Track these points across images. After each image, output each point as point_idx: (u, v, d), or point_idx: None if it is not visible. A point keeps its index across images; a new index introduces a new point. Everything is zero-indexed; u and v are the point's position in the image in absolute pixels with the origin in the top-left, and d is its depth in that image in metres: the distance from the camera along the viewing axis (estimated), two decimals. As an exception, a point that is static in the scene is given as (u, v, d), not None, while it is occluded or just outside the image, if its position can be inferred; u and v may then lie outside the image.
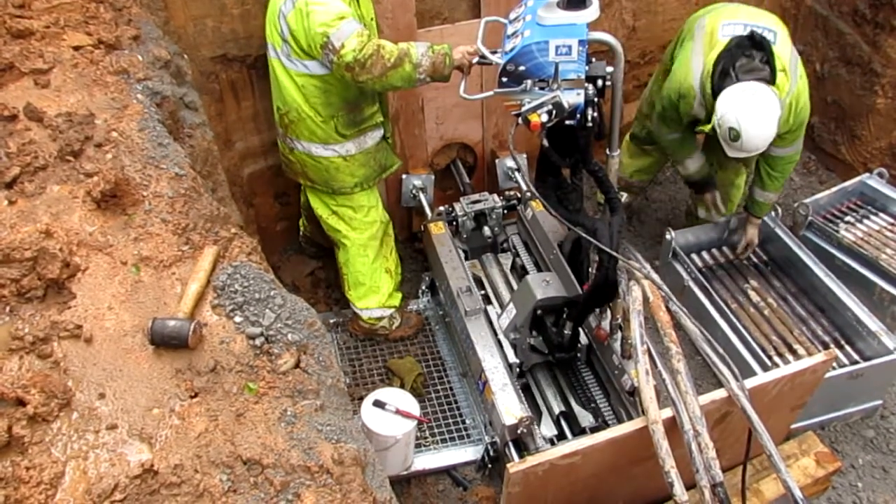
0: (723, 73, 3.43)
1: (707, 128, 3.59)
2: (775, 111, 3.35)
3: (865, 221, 4.25)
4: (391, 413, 3.29)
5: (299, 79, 3.30)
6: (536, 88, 2.77)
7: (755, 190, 4.01)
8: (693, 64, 3.62)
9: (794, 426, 3.40)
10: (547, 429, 3.41)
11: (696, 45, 3.66)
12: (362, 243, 3.79)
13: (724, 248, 4.38)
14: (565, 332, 3.46)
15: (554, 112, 2.74)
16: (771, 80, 3.39)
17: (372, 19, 3.44)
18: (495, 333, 3.59)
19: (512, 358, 3.47)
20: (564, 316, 3.43)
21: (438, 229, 4.08)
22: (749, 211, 4.14)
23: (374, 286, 3.87)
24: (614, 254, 2.88)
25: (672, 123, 3.87)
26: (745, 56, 3.42)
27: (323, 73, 3.25)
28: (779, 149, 3.73)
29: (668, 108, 3.79)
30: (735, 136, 3.37)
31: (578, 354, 3.62)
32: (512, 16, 2.95)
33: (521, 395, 3.33)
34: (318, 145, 3.49)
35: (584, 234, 2.96)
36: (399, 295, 4.01)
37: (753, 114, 3.33)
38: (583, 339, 3.60)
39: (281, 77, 3.35)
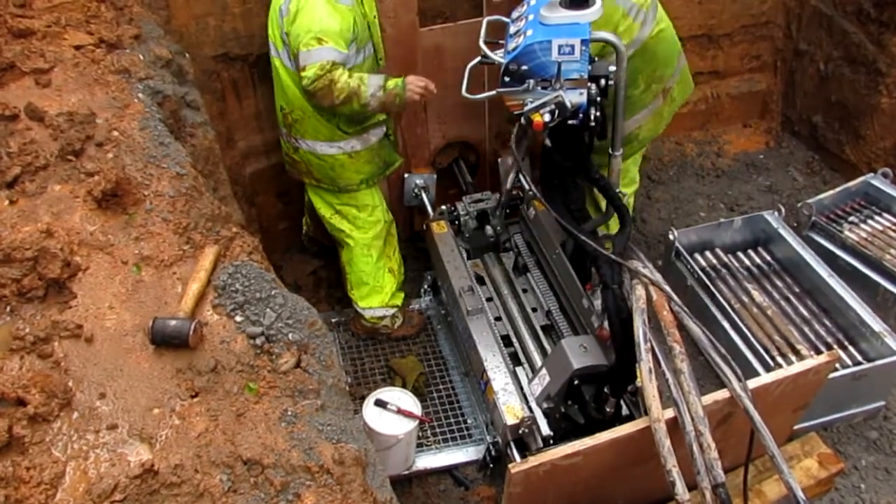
0: None
1: None
2: None
3: (869, 222, 4.24)
4: (393, 412, 3.28)
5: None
6: (539, 88, 2.76)
7: None
8: None
9: (796, 427, 3.39)
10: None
11: None
12: (366, 243, 3.78)
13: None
14: (607, 409, 3.12)
15: (557, 112, 2.73)
16: None
17: (375, 17, 3.44)
18: (496, 334, 3.58)
19: (545, 430, 3.17)
20: (606, 390, 3.10)
21: (440, 228, 4.08)
22: None
23: (377, 286, 3.86)
24: (615, 258, 2.87)
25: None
26: None
27: None
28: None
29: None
30: None
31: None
32: (514, 15, 2.95)
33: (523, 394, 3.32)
34: (323, 143, 3.49)
35: (591, 243, 2.92)
36: (401, 294, 4.01)
37: None
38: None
39: (284, 77, 3.36)
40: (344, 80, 3.15)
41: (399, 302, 3.98)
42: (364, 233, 3.77)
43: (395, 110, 3.34)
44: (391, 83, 3.27)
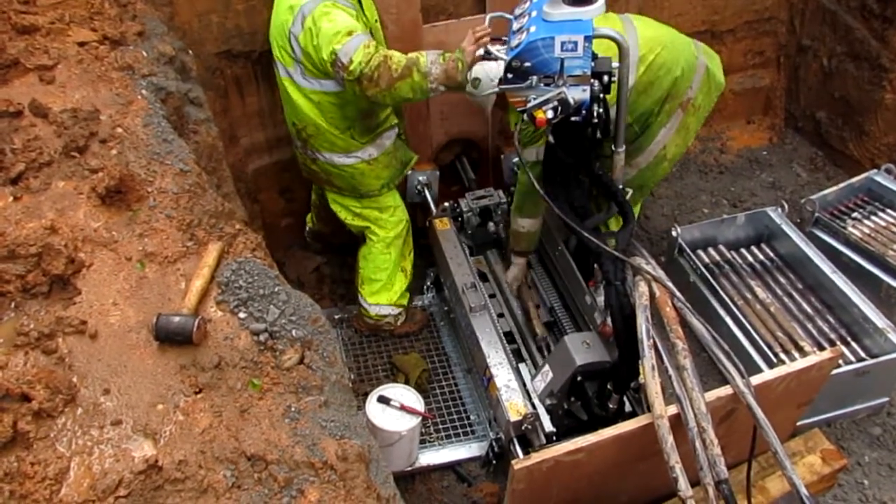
0: None
1: None
2: None
3: (873, 218, 4.23)
4: (396, 409, 3.29)
5: (315, 96, 3.30)
6: (542, 85, 2.75)
7: None
8: None
9: (800, 423, 3.39)
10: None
11: None
12: (388, 241, 3.80)
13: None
14: (610, 405, 3.12)
15: (559, 108, 2.72)
16: None
17: (376, 21, 3.44)
18: (499, 331, 3.58)
19: (548, 426, 3.16)
20: (609, 387, 3.10)
21: (443, 225, 4.08)
22: None
23: (388, 283, 3.87)
24: (618, 254, 2.87)
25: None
26: None
27: (339, 89, 3.25)
28: None
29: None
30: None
31: None
32: (517, 11, 2.94)
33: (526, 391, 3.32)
34: (339, 155, 3.50)
35: (595, 240, 2.91)
36: (408, 295, 4.01)
37: None
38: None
39: (294, 96, 3.34)
40: (399, 54, 2.98)
41: (405, 302, 3.99)
42: (387, 231, 3.79)
43: (460, 80, 2.95)
44: (448, 53, 2.98)
